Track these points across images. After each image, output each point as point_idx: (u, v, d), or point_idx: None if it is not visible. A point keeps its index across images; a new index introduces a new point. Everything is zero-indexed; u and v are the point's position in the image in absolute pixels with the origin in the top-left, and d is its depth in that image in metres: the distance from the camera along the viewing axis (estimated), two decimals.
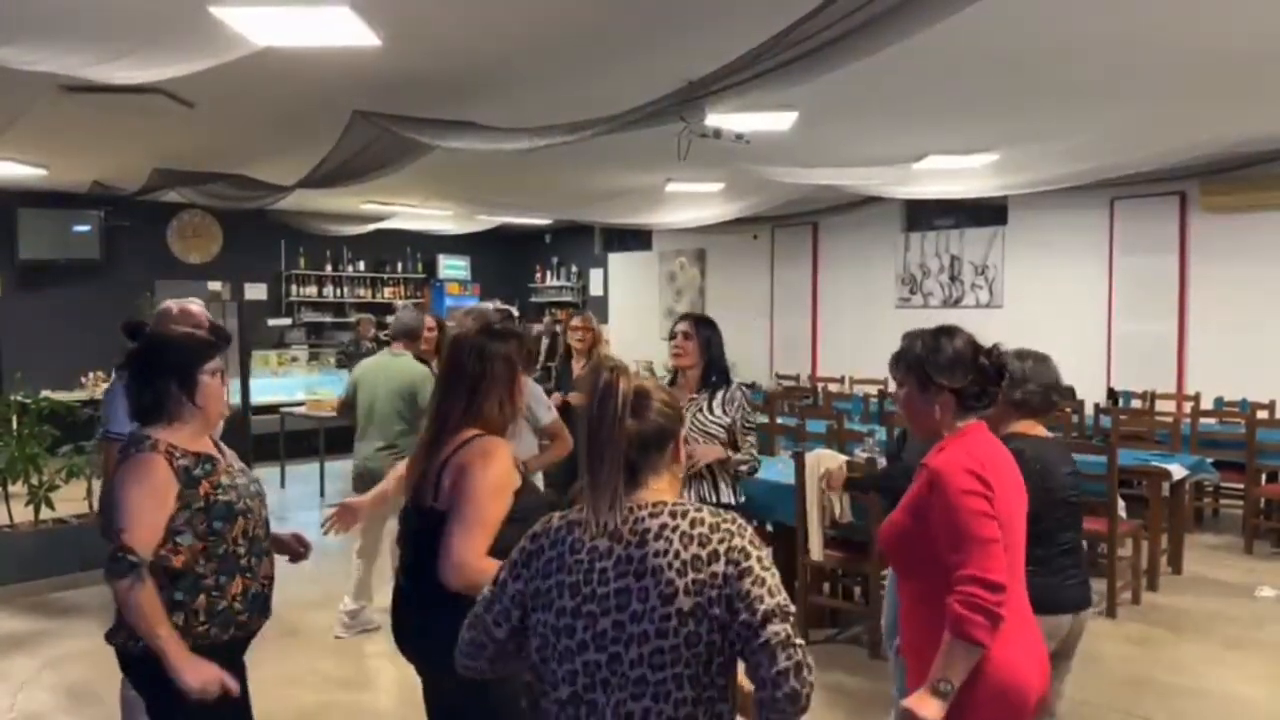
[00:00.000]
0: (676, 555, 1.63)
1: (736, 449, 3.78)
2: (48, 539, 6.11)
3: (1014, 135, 6.56)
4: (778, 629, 1.60)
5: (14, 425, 6.01)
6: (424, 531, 2.36)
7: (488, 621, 1.76)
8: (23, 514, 6.11)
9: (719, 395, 3.81)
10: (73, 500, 6.26)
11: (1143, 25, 4.38)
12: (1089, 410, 7.80)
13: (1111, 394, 8.65)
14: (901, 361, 2.33)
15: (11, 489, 6.10)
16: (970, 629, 2.02)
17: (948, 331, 2.30)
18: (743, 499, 3.87)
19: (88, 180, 9.25)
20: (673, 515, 1.68)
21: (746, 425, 3.81)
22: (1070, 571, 2.80)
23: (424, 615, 2.39)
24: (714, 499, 3.71)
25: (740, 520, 1.70)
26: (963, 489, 2.09)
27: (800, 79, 4.01)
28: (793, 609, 1.64)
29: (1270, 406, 7.51)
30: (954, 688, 2.04)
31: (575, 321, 5.96)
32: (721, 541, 1.64)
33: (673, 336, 3.90)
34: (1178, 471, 5.83)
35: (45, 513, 6.03)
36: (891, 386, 3.72)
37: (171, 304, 3.62)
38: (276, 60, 4.48)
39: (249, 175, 8.05)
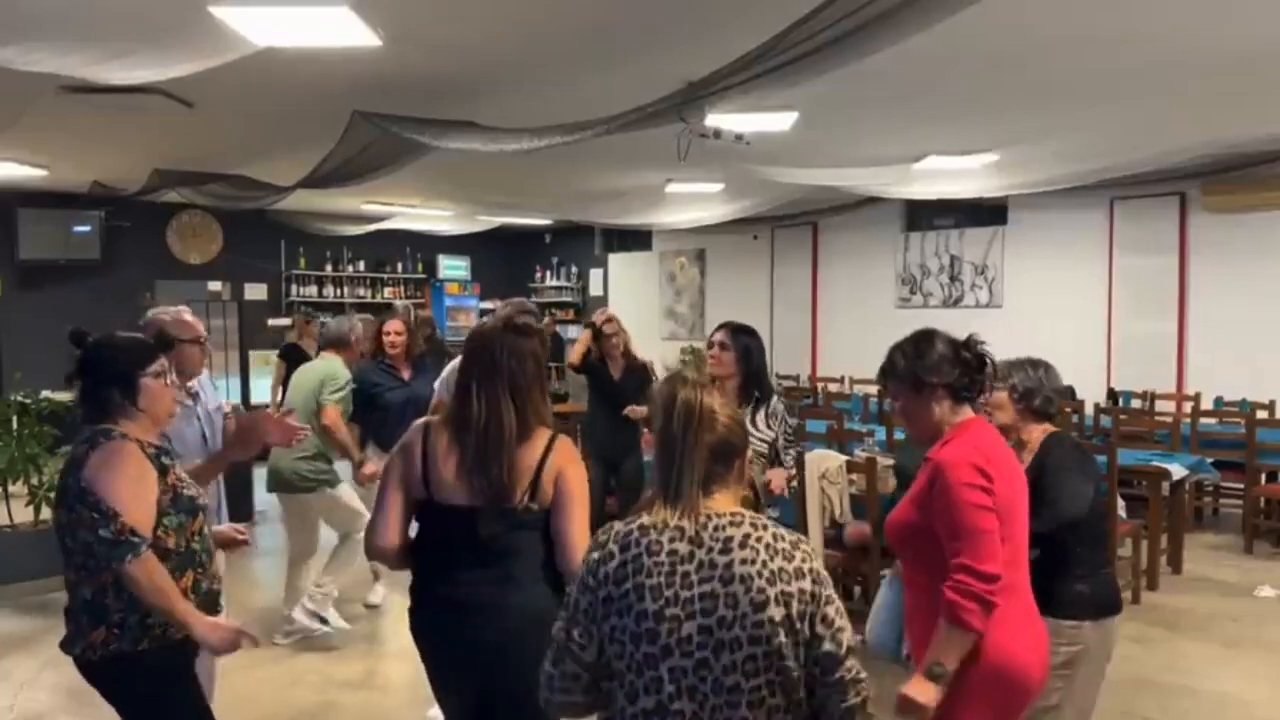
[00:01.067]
0: (764, 565, 1.63)
1: (778, 463, 3.69)
2: (48, 539, 6.03)
3: (1014, 135, 6.56)
4: (853, 664, 1.64)
5: (14, 425, 6.01)
6: (509, 532, 2.36)
7: (573, 649, 1.69)
8: (23, 514, 6.11)
9: (762, 410, 3.69)
10: None
11: (1143, 25, 4.38)
12: (1089, 410, 7.81)
13: (1111, 394, 8.66)
14: (891, 375, 2.39)
15: (11, 489, 6.11)
16: (962, 614, 2.10)
17: (924, 335, 2.38)
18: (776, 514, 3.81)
19: (88, 180, 9.24)
20: (754, 526, 1.68)
21: (788, 439, 3.75)
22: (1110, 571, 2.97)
23: (517, 600, 2.36)
24: None
25: (807, 544, 1.73)
26: (964, 481, 2.15)
27: (800, 79, 4.00)
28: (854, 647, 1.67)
29: (1270, 406, 7.52)
30: (947, 671, 2.11)
31: (603, 318, 5.63)
32: (804, 560, 1.66)
33: (710, 345, 3.83)
34: (1178, 471, 5.84)
35: (45, 513, 6.03)
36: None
37: (164, 315, 3.44)
38: (276, 60, 4.48)
39: (249, 175, 8.04)
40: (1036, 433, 3.01)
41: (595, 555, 1.72)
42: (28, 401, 6.17)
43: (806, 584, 1.63)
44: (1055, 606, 2.73)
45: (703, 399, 1.73)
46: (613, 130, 5.00)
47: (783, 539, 1.68)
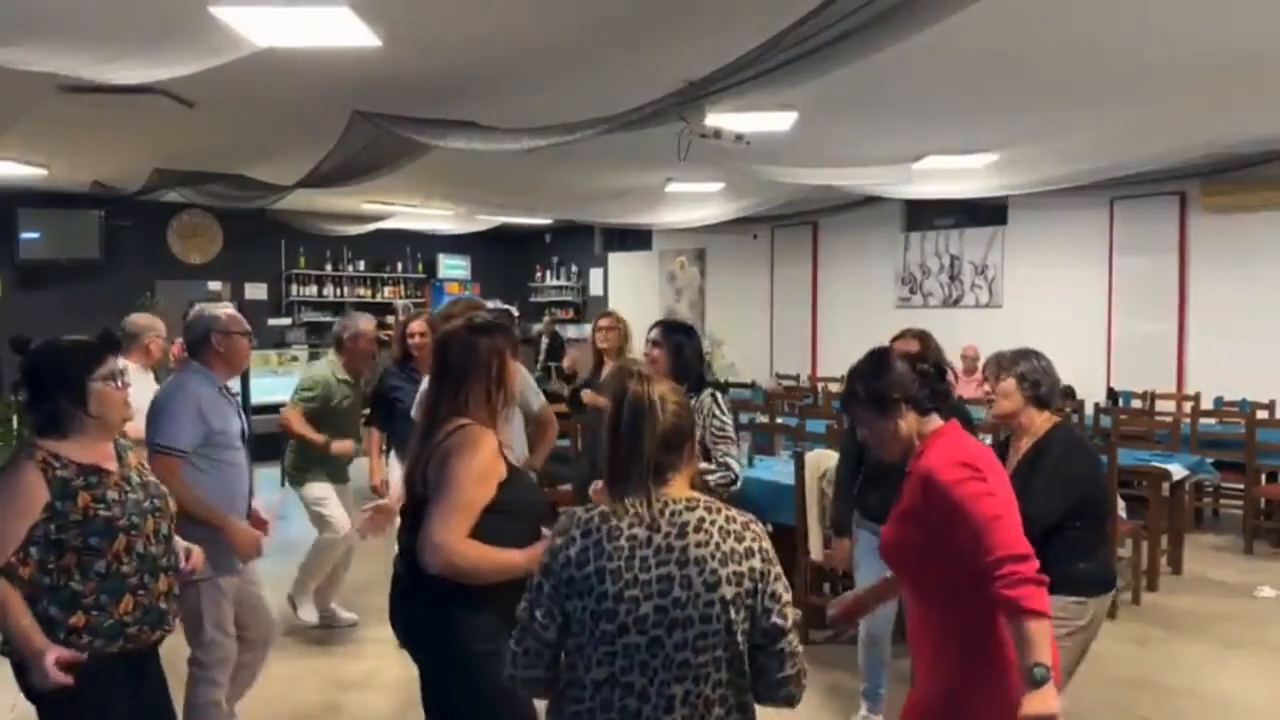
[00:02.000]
0: (717, 546, 1.75)
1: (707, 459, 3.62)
2: None
3: (1014, 135, 6.56)
4: (793, 638, 1.79)
5: (14, 425, 6.01)
6: (416, 520, 2.38)
7: (535, 628, 1.79)
8: None
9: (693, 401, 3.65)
10: None
11: (1143, 25, 4.38)
12: (1089, 410, 7.81)
13: (1111, 394, 8.66)
14: (852, 402, 2.37)
15: None
16: (1026, 603, 2.00)
17: (878, 353, 2.37)
18: None
19: (88, 180, 9.24)
20: (708, 510, 1.80)
21: (717, 434, 3.65)
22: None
23: (417, 601, 2.44)
24: None
25: (758, 526, 1.84)
26: (955, 480, 2.13)
27: (800, 79, 4.00)
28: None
29: (1270, 406, 7.51)
30: (1049, 669, 1.98)
31: (602, 322, 5.43)
32: (754, 540, 1.79)
33: (646, 343, 3.85)
34: (1177, 472, 5.84)
35: None
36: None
37: (214, 309, 3.51)
38: (276, 60, 4.48)
39: (249, 175, 8.05)
40: (1040, 420, 3.04)
41: (559, 541, 1.81)
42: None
43: (756, 562, 1.77)
44: (1062, 585, 2.72)
45: (650, 390, 1.84)
46: (613, 130, 5.01)
47: (734, 521, 1.80)
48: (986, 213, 10.15)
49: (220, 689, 3.36)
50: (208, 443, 3.28)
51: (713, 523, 1.78)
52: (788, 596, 1.80)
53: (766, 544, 1.81)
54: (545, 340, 12.52)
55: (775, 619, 1.76)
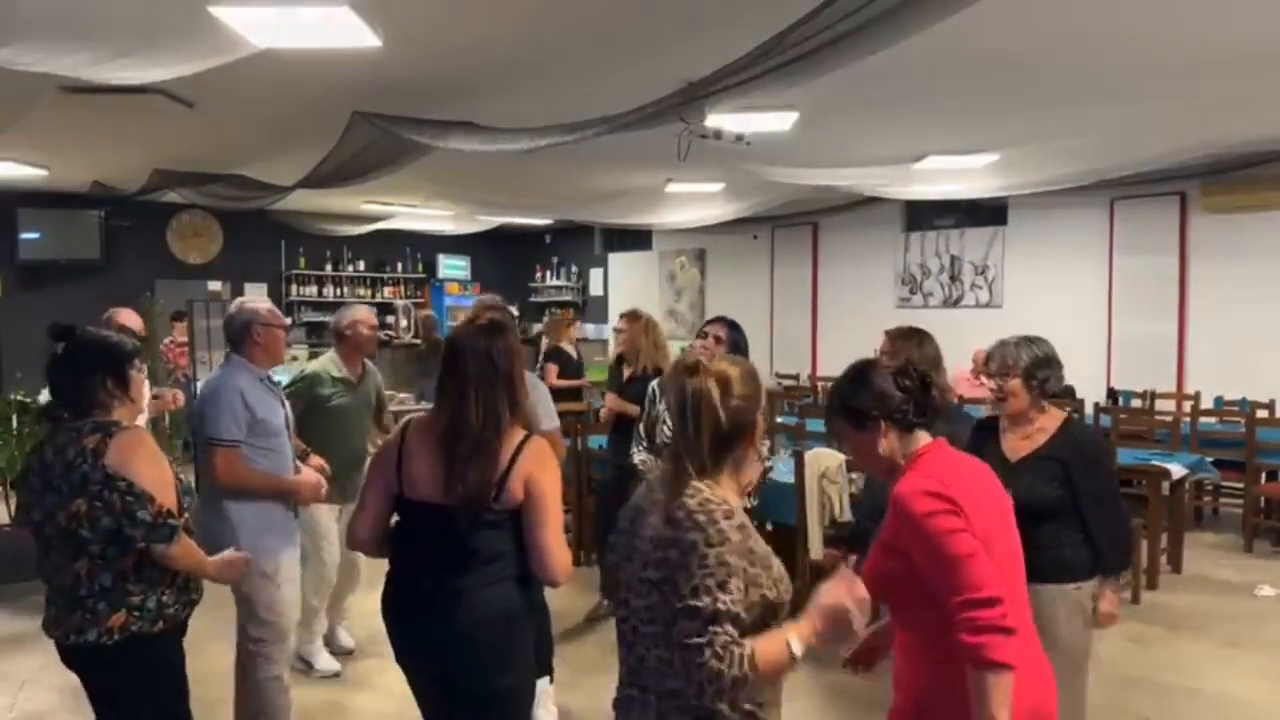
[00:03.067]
0: (656, 529, 1.83)
1: None
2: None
3: (1014, 135, 6.56)
4: (698, 628, 1.73)
5: (14, 425, 6.01)
6: (476, 531, 2.39)
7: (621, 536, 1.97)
8: None
9: None
10: None
11: (1142, 25, 4.38)
12: (1089, 410, 7.80)
13: (1111, 394, 8.66)
14: (833, 419, 2.26)
15: (11, 489, 6.11)
16: (985, 653, 1.89)
17: (860, 367, 2.24)
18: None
19: (88, 180, 9.25)
20: (689, 508, 1.82)
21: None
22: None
23: (481, 599, 2.40)
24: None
25: (718, 508, 1.80)
26: (924, 512, 1.99)
27: (800, 79, 4.00)
28: (725, 615, 1.73)
29: (1270, 406, 7.52)
30: None
31: (616, 324, 5.28)
32: (689, 531, 1.79)
33: (702, 335, 3.93)
34: (1177, 471, 5.84)
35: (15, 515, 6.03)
36: None
37: (256, 303, 3.69)
38: (276, 60, 4.48)
39: (249, 175, 8.05)
40: (1048, 416, 3.03)
41: (625, 516, 1.97)
42: (28, 401, 6.17)
43: (674, 553, 1.78)
44: (1064, 572, 2.88)
45: (707, 385, 1.85)
46: (613, 130, 5.01)
47: (682, 507, 1.81)
48: (986, 213, 10.16)
49: (278, 665, 3.49)
50: (252, 432, 3.41)
51: (669, 514, 1.84)
52: (695, 593, 1.75)
53: (698, 534, 1.77)
54: (545, 341, 12.51)
55: (682, 618, 1.76)
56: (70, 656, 2.52)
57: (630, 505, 1.98)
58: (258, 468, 3.41)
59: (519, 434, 2.45)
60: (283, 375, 4.22)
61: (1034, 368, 2.99)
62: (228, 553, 2.75)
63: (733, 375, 1.87)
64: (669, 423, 1.94)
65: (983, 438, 3.13)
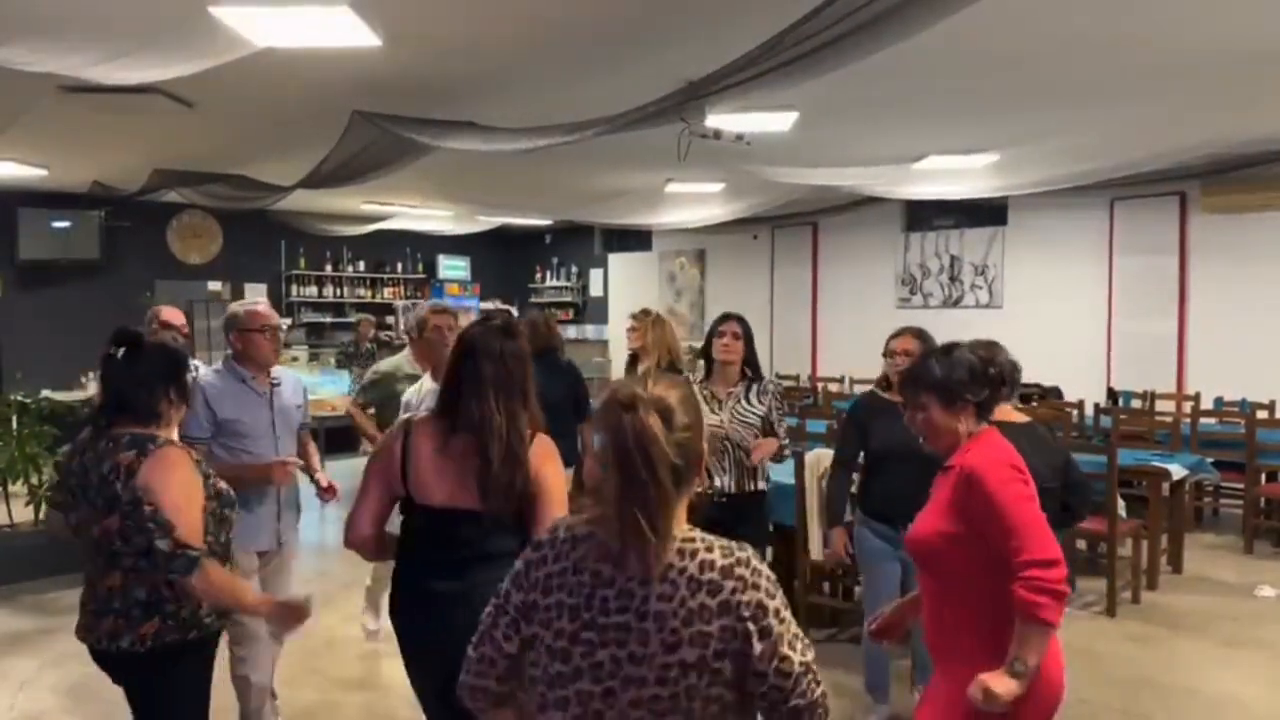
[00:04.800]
0: (682, 603, 1.50)
1: (772, 434, 4.04)
2: (48, 539, 6.11)
3: (1014, 135, 6.56)
4: (805, 688, 1.54)
5: (14, 425, 6.01)
6: (490, 533, 2.40)
7: (497, 636, 1.63)
8: (23, 514, 6.11)
9: (754, 387, 4.05)
10: None
11: (1143, 25, 4.38)
12: (1089, 410, 7.81)
13: (1111, 394, 8.66)
14: (920, 383, 2.38)
15: (11, 489, 6.11)
16: (1039, 611, 2.11)
17: (956, 347, 2.42)
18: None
19: (88, 180, 9.25)
20: (680, 554, 1.53)
21: (780, 414, 4.07)
22: None
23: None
24: (752, 486, 3.97)
25: (754, 559, 1.56)
26: (1004, 479, 2.20)
27: (800, 79, 4.00)
28: (813, 663, 1.56)
29: (1270, 406, 7.52)
30: (1030, 668, 2.13)
31: (628, 323, 5.31)
32: (735, 592, 1.51)
33: (719, 335, 4.04)
34: (1178, 471, 5.84)
35: (45, 512, 6.03)
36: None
37: (240, 309, 3.69)
38: (276, 60, 4.48)
39: (249, 175, 8.05)
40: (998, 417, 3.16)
41: (534, 555, 1.62)
42: (28, 401, 6.17)
43: (730, 621, 1.49)
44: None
45: (649, 420, 1.51)
46: (613, 130, 5.01)
47: (711, 568, 1.51)
48: (986, 213, 10.16)
49: (246, 665, 3.51)
50: (221, 431, 3.43)
51: (682, 571, 1.51)
52: (786, 650, 1.52)
53: (753, 595, 1.51)
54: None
55: (774, 680, 1.51)
56: (104, 662, 2.52)
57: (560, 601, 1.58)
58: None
59: (532, 433, 2.47)
60: (285, 374, 4.12)
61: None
62: (285, 597, 2.69)
63: (672, 402, 1.56)
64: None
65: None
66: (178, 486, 2.38)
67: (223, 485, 2.57)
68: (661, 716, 1.51)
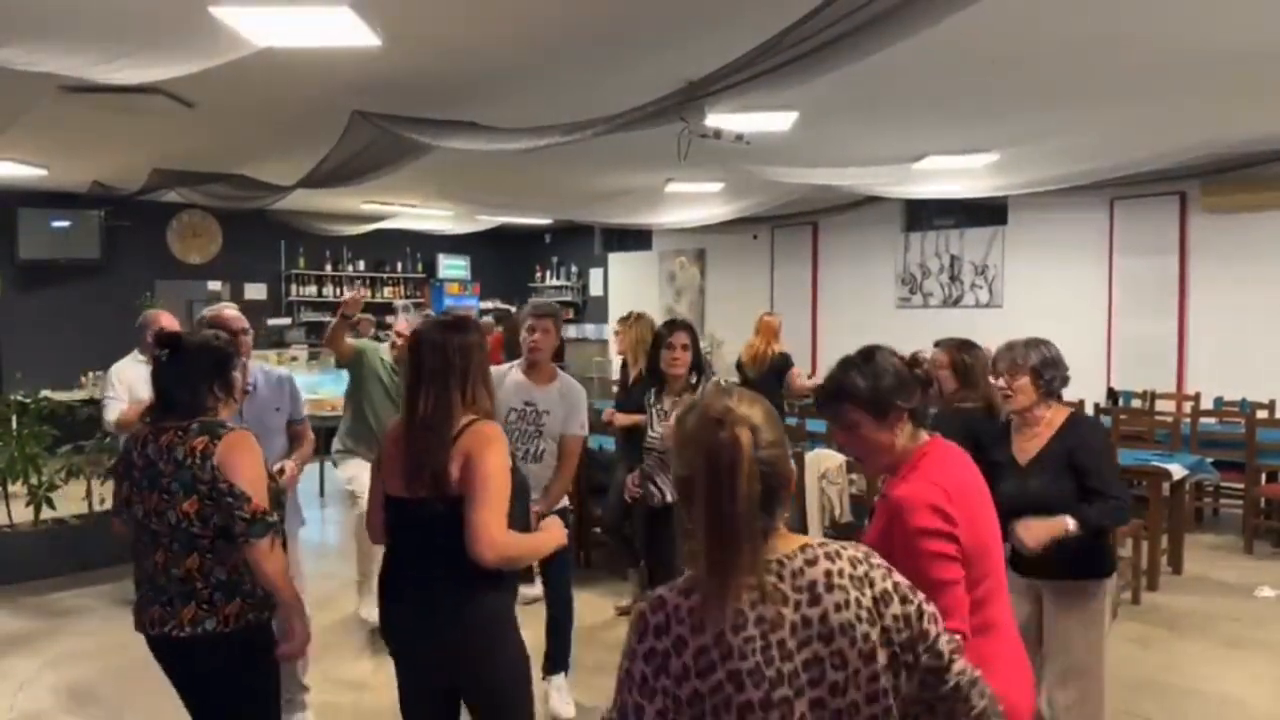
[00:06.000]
0: (858, 603, 1.38)
1: None
2: (48, 539, 6.12)
3: (1014, 135, 6.56)
4: (962, 667, 1.45)
5: (14, 425, 6.01)
6: (435, 520, 2.40)
7: None
8: (23, 514, 6.11)
9: (699, 390, 4.03)
10: (73, 500, 6.26)
11: (1142, 25, 4.38)
12: (1089, 410, 7.80)
13: (1111, 394, 8.65)
14: (843, 400, 2.06)
15: (11, 489, 6.10)
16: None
17: (877, 351, 2.10)
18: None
19: (88, 180, 9.24)
20: (829, 558, 1.42)
21: None
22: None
23: (458, 598, 2.44)
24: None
25: (869, 551, 1.49)
26: (922, 528, 1.92)
27: (800, 79, 4.00)
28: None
29: (1270, 406, 7.51)
30: None
31: (616, 327, 5.01)
32: (884, 578, 1.43)
33: (669, 347, 3.94)
34: (1178, 471, 5.83)
35: (45, 513, 6.03)
36: None
37: (205, 312, 3.77)
38: (276, 60, 4.48)
39: (249, 175, 8.05)
40: (1054, 413, 3.15)
41: (660, 645, 1.36)
42: (28, 401, 6.17)
43: (897, 607, 1.40)
44: (1099, 567, 3.11)
45: (742, 438, 1.38)
46: (613, 130, 5.00)
47: (858, 563, 1.43)
48: (986, 213, 10.16)
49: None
50: None
51: (840, 573, 1.39)
52: (936, 627, 1.44)
53: (897, 577, 1.45)
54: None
55: (927, 659, 1.40)
56: (177, 651, 2.54)
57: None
58: None
59: (465, 419, 2.47)
60: (266, 375, 4.06)
61: (1042, 367, 3.13)
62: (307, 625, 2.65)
63: (758, 419, 1.43)
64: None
65: (996, 436, 3.28)
66: (251, 464, 2.51)
67: (275, 478, 2.70)
68: None
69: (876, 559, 1.46)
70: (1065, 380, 3.19)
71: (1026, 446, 3.16)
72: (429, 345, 2.51)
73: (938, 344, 3.77)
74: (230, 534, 2.45)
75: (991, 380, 3.26)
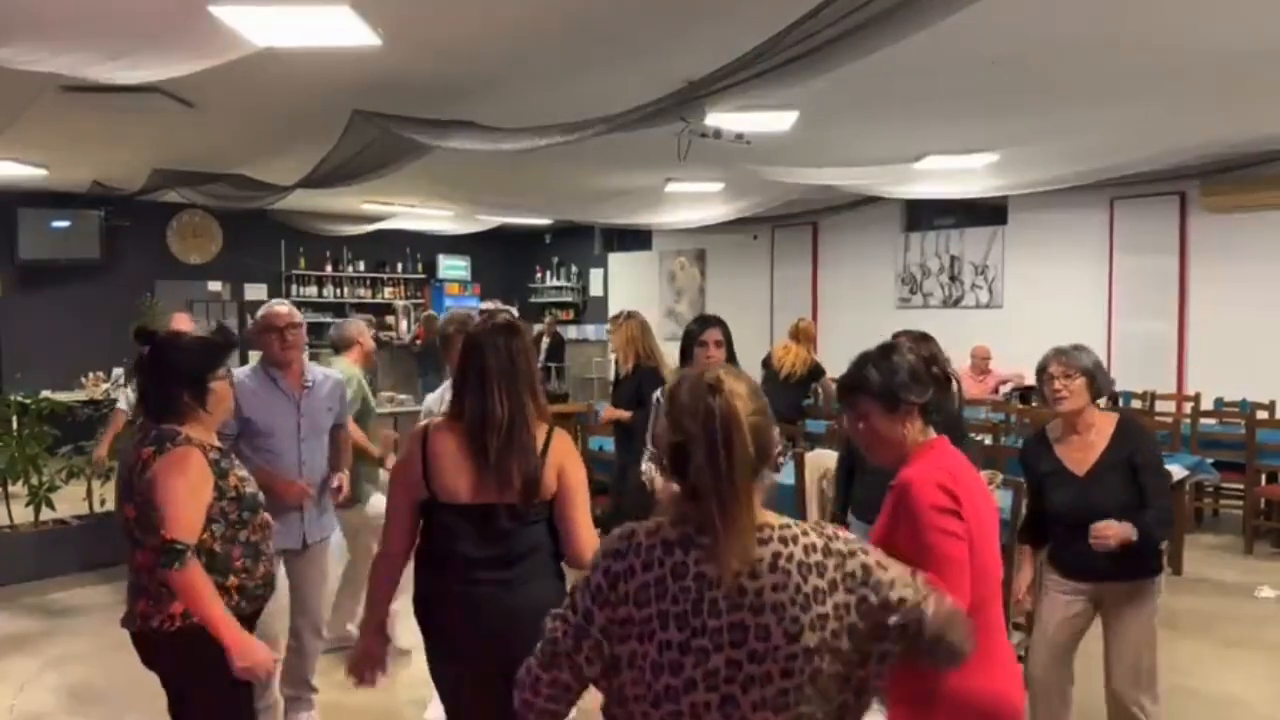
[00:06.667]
0: (797, 589, 1.47)
1: None
2: (48, 539, 6.12)
3: (1014, 135, 6.56)
4: (934, 609, 1.55)
5: (14, 425, 6.01)
6: (520, 528, 2.43)
7: (578, 660, 1.53)
8: (23, 514, 6.11)
9: None
10: (73, 500, 6.26)
11: (1142, 26, 4.38)
12: None
13: (1111, 394, 8.65)
14: (859, 391, 2.15)
15: (11, 489, 6.10)
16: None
17: (894, 348, 2.18)
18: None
19: (88, 180, 9.25)
20: (783, 542, 1.50)
21: None
22: None
23: (526, 613, 2.36)
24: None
25: (838, 530, 1.57)
26: (931, 503, 1.98)
27: (800, 79, 4.01)
28: (925, 583, 1.59)
29: (1270, 406, 7.51)
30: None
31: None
32: (838, 568, 1.51)
33: (701, 344, 3.92)
34: (1178, 472, 5.82)
35: (45, 513, 6.03)
36: None
37: (263, 310, 3.72)
38: (276, 60, 4.48)
39: (249, 175, 8.05)
40: (1101, 419, 3.18)
41: (618, 566, 1.52)
42: (28, 401, 6.17)
43: (840, 596, 1.49)
44: (1154, 566, 3.17)
45: (734, 404, 1.50)
46: (613, 130, 5.01)
47: (814, 550, 1.51)
48: (986, 213, 10.16)
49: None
50: (245, 430, 3.44)
51: (789, 558, 1.49)
52: (890, 589, 1.52)
53: (852, 564, 1.52)
54: (546, 341, 12.54)
55: (893, 618, 1.51)
56: (140, 646, 2.55)
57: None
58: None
59: (544, 426, 2.49)
60: (326, 376, 3.93)
61: (1095, 369, 3.17)
62: (255, 645, 2.49)
63: (744, 391, 1.55)
64: (695, 456, 1.48)
65: (1039, 451, 3.29)
66: (184, 483, 2.42)
67: (248, 488, 2.59)
68: (785, 710, 1.47)
69: (839, 546, 1.53)
70: (1111, 384, 3.24)
71: (1079, 456, 3.16)
72: (491, 349, 2.45)
73: (895, 336, 3.73)
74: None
75: (1036, 384, 3.31)
